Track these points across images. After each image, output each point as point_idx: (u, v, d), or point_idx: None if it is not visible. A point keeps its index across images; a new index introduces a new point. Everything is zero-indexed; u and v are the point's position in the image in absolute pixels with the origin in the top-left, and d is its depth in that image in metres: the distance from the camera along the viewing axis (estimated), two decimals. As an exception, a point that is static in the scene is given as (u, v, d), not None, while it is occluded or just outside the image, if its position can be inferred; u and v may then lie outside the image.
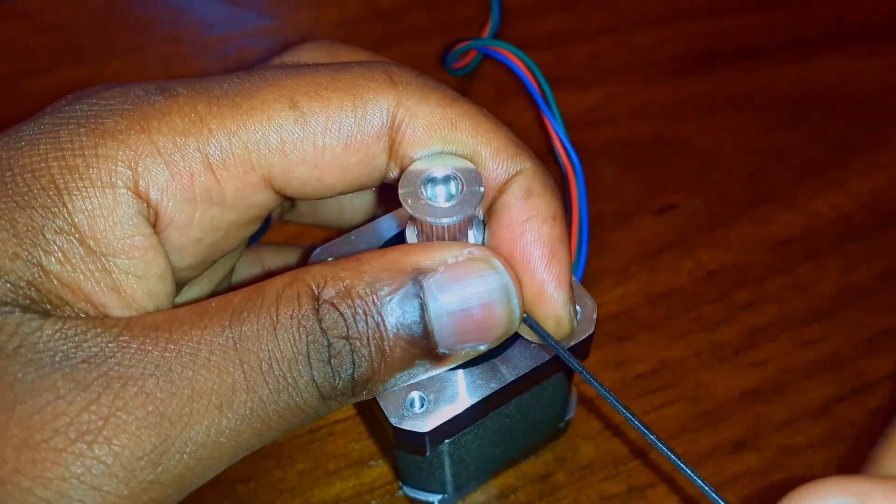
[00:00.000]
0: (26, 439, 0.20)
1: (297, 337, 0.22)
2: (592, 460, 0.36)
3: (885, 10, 0.54)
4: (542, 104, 0.38)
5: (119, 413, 0.21)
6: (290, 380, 0.22)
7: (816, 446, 0.36)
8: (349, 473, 0.36)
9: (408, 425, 0.26)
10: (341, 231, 0.31)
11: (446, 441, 0.28)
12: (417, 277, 0.23)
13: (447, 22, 0.54)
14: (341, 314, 0.22)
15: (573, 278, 0.29)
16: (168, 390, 0.21)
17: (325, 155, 0.25)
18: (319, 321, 0.22)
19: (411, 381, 0.24)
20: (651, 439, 0.23)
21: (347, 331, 0.22)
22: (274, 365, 0.22)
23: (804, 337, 0.40)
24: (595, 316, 0.28)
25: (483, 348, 0.24)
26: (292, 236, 0.43)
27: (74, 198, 0.22)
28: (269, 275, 0.24)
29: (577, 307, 0.28)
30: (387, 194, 0.34)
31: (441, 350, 0.24)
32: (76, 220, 0.22)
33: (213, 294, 0.31)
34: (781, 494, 0.20)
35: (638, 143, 0.48)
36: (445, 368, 0.25)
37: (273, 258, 0.35)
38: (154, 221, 0.24)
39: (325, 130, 0.24)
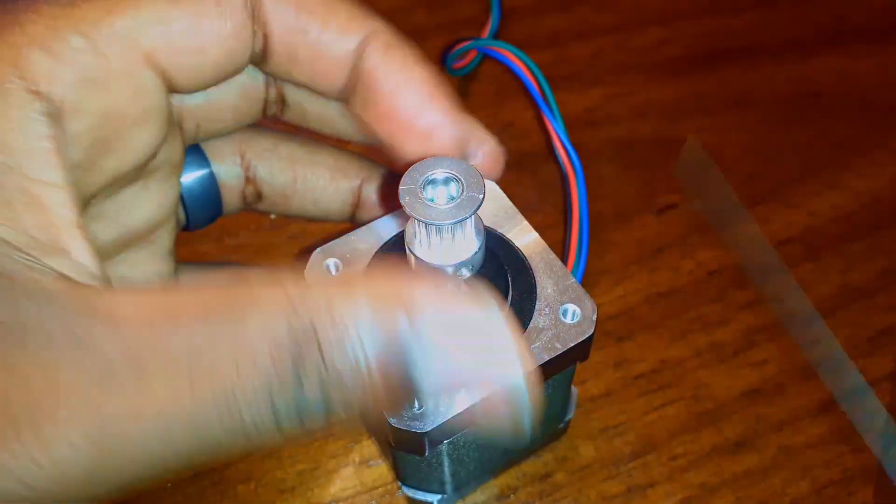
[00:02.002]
0: None
1: (263, 381, 0.19)
2: (592, 460, 0.36)
3: (885, 10, 0.54)
4: (542, 104, 0.38)
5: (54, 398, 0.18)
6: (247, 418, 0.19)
7: (816, 446, 0.36)
8: (349, 473, 0.36)
9: (406, 425, 0.26)
10: (342, 231, 0.31)
11: (445, 441, 0.28)
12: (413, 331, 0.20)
13: (447, 22, 0.53)
14: (324, 360, 0.19)
15: (573, 279, 0.29)
16: (107, 396, 0.19)
17: (202, 24, 0.25)
18: (296, 365, 0.19)
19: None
20: None
21: (323, 374, 0.19)
22: (232, 397, 0.19)
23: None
24: (595, 317, 0.28)
25: None
26: (293, 235, 0.43)
27: None
28: None
29: (577, 307, 0.28)
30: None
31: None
32: None
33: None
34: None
35: (638, 143, 0.48)
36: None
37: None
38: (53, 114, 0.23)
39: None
